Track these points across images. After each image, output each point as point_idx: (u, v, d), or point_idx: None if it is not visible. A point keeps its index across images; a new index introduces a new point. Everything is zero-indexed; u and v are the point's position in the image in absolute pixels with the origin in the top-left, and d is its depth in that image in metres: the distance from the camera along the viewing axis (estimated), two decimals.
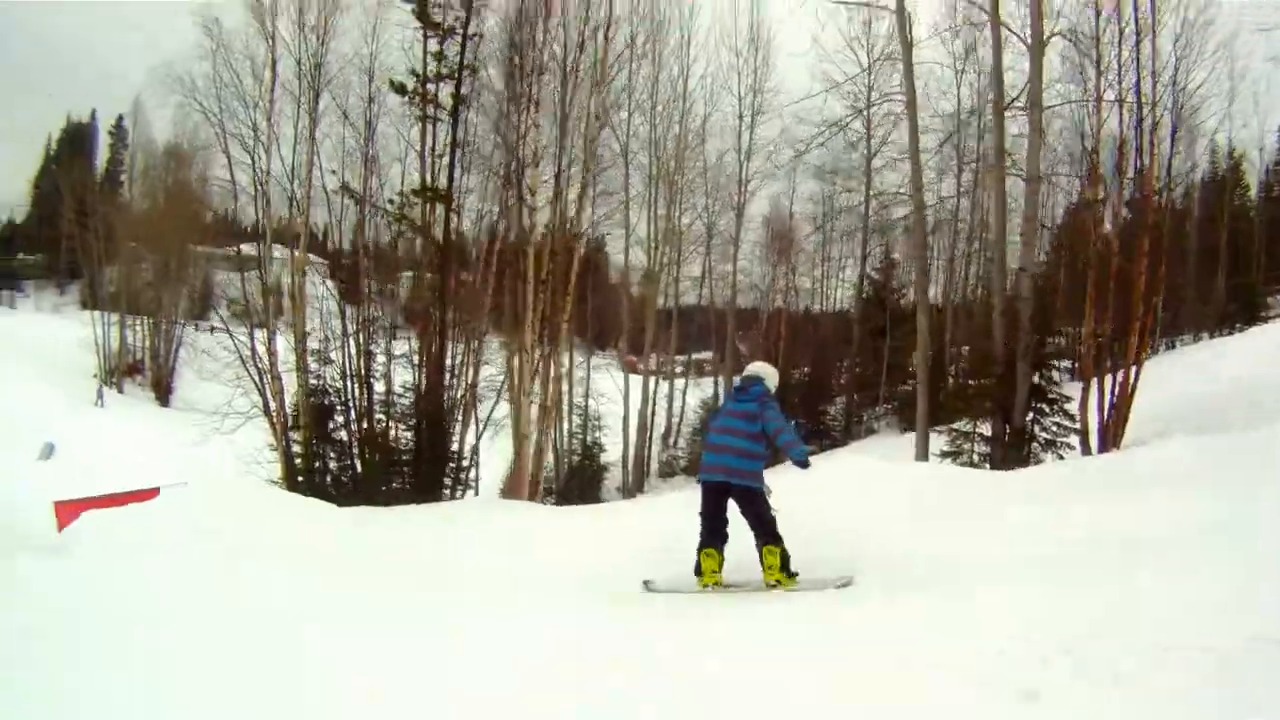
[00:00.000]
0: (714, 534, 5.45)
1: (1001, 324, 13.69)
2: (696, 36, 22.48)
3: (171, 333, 39.47)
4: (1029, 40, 13.99)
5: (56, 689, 3.49)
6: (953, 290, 27.49)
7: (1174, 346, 25.84)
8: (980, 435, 13.98)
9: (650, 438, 26.37)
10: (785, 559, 5.30)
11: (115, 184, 50.29)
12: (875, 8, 15.18)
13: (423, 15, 15.89)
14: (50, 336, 38.00)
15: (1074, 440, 13.21)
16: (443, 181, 16.44)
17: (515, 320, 15.92)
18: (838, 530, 6.36)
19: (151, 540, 6.64)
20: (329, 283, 19.29)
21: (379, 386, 17.78)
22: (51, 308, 48.94)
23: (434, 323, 16.91)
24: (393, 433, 17.62)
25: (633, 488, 24.00)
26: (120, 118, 51.73)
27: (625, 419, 24.81)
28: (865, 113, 26.22)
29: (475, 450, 17.98)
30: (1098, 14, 13.76)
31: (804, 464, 5.41)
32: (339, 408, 17.95)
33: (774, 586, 5.23)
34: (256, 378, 17.66)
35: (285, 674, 3.76)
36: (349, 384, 17.69)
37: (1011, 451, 12.91)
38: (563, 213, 16.06)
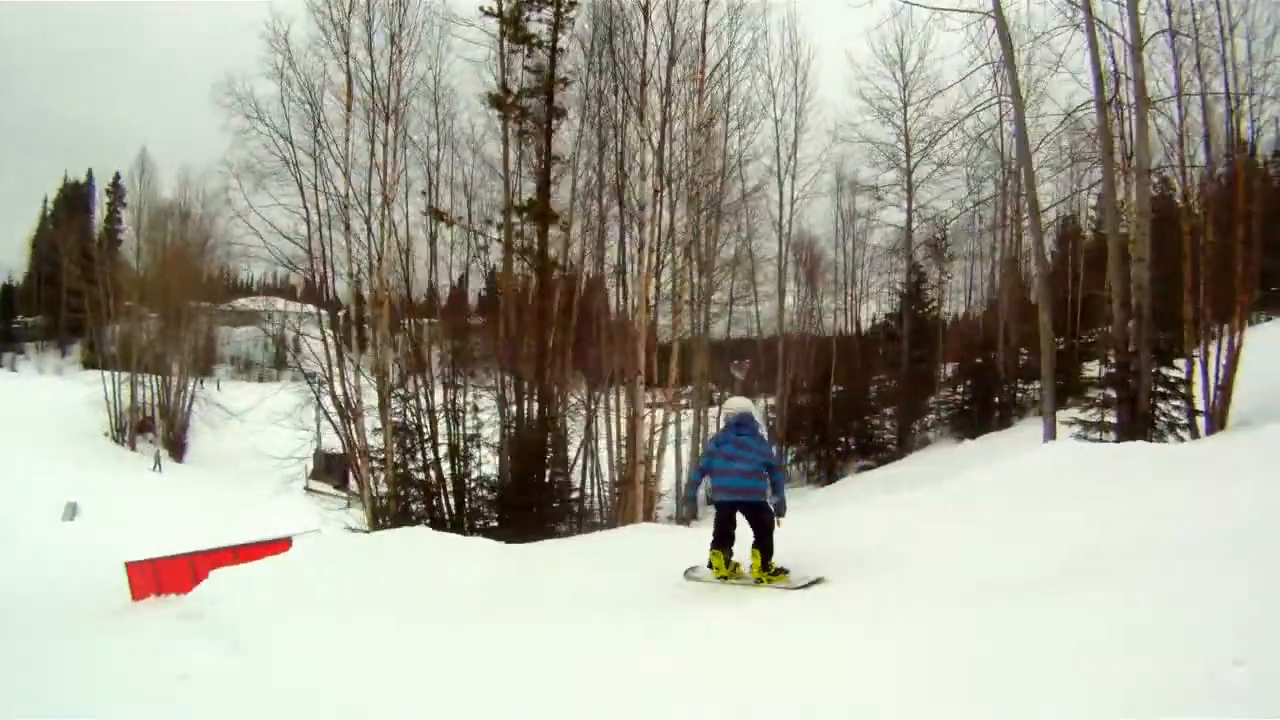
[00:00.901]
0: (723, 540, 6.38)
1: (1121, 315, 13.80)
2: (736, 61, 21.15)
3: (183, 388, 38.51)
4: (1129, 39, 13.92)
5: None
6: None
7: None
8: (1108, 424, 14.16)
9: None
10: (767, 557, 6.19)
11: (114, 242, 48.97)
12: (977, 14, 14.67)
13: (515, 26, 15.23)
14: (57, 398, 36.95)
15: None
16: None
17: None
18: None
19: (297, 592, 6.29)
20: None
21: (468, 422, 16.77)
22: (54, 369, 47.63)
23: (530, 351, 15.98)
24: (485, 468, 16.60)
25: (686, 515, 23.17)
26: (117, 175, 50.61)
27: (677, 447, 23.90)
28: (903, 127, 26.67)
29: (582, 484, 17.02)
30: (1169, 11, 14.22)
31: (781, 514, 6.27)
32: (418, 448, 16.90)
33: (759, 582, 6.12)
34: (337, 418, 16.67)
35: None
36: (425, 420, 16.71)
37: (1138, 439, 12.59)
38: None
